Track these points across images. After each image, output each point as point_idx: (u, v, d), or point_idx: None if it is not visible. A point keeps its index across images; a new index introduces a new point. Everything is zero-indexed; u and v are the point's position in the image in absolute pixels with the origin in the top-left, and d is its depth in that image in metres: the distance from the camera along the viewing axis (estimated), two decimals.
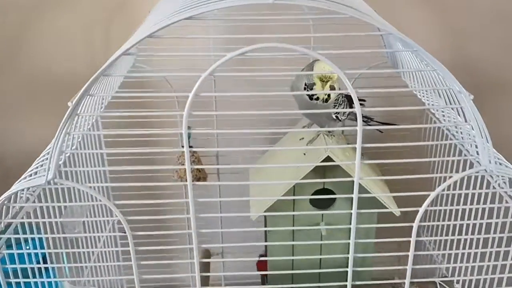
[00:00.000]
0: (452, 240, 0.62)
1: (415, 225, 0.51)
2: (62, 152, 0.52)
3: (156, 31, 0.48)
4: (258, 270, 0.92)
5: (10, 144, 1.10)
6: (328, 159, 0.73)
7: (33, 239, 0.57)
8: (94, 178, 0.83)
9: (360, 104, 0.87)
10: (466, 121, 0.51)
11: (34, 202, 0.55)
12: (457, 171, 0.68)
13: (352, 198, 0.79)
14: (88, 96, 0.52)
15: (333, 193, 0.79)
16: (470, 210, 0.56)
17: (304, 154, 0.77)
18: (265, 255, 0.90)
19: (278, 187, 0.76)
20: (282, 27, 0.79)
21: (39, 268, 0.58)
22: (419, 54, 0.48)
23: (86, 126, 0.62)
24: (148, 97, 0.87)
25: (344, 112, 0.78)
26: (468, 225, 0.60)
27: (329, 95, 0.71)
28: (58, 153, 0.51)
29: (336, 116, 0.76)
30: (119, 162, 0.84)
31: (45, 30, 1.03)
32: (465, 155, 0.62)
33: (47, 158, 0.51)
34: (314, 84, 0.71)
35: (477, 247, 0.60)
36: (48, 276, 0.58)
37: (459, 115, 0.57)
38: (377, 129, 0.84)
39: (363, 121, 0.86)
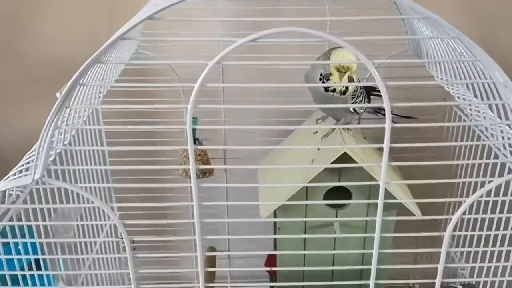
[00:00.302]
0: (480, 251, 0.56)
1: (446, 234, 0.46)
2: (52, 148, 0.47)
3: (157, 12, 0.42)
4: (267, 267, 0.87)
5: (11, 133, 1.05)
6: (344, 155, 0.67)
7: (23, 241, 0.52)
8: (94, 177, 0.77)
9: (379, 96, 0.82)
10: (508, 118, 0.45)
11: (25, 201, 0.50)
12: (485, 175, 0.61)
13: (368, 195, 0.74)
14: (81, 86, 0.46)
15: (349, 192, 0.73)
16: (507, 219, 0.50)
17: (318, 149, 0.71)
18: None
19: (290, 185, 0.71)
20: (295, 11, 0.72)
21: (29, 272, 0.53)
22: (459, 42, 0.42)
23: (81, 118, 0.57)
24: (151, 87, 0.81)
25: (363, 102, 0.72)
26: (500, 236, 0.54)
27: (347, 87, 0.65)
28: (47, 150, 0.45)
29: (354, 109, 0.70)
30: (119, 159, 0.79)
31: (48, 15, 0.97)
32: (496, 157, 0.56)
33: (34, 154, 0.46)
34: (330, 74, 0.65)
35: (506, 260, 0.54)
36: (40, 281, 0.53)
37: (492, 111, 0.51)
38: (394, 122, 0.78)
39: (380, 113, 0.81)
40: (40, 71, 1.01)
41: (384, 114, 0.79)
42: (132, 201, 0.55)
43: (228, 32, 0.86)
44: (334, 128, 0.72)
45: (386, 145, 0.45)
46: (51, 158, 0.48)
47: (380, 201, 0.49)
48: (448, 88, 0.66)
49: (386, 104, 0.43)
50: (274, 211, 0.73)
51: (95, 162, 0.76)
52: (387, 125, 0.44)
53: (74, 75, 0.44)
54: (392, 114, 0.79)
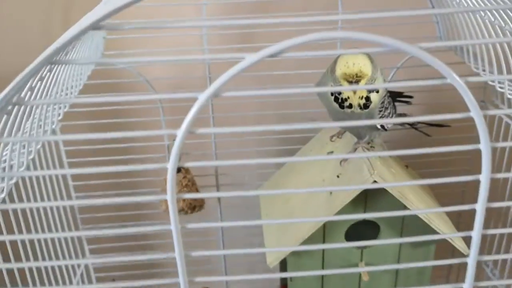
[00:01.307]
0: None
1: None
2: None
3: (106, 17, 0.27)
4: None
5: None
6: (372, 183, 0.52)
7: None
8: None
9: (406, 102, 0.67)
10: None
11: None
12: None
13: (401, 228, 0.60)
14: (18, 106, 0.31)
15: (376, 225, 0.58)
16: None
17: (338, 176, 0.56)
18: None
19: (304, 224, 0.55)
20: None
21: None
22: None
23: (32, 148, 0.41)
24: (116, 104, 0.66)
25: (391, 116, 0.57)
26: None
27: (368, 99, 0.50)
28: None
29: (382, 125, 0.55)
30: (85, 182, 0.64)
31: None
32: None
33: None
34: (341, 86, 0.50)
35: None
36: None
37: None
38: (424, 132, 0.64)
39: (408, 123, 0.66)
40: None
41: (411, 125, 0.64)
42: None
43: (214, 22, 0.70)
44: (356, 148, 0.57)
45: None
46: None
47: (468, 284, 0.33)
48: (492, 82, 0.51)
49: (475, 112, 0.27)
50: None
51: (57, 195, 0.61)
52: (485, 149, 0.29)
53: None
54: (423, 122, 0.66)
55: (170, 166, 0.26)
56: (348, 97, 0.50)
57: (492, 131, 0.66)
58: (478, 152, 0.30)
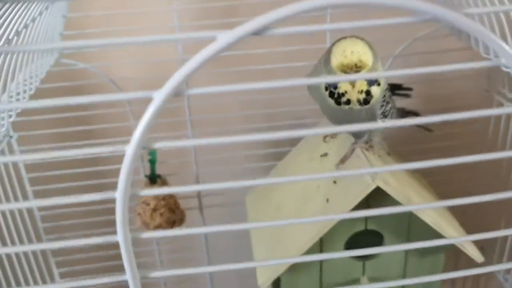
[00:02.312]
0: None
1: None
2: None
3: None
4: None
5: None
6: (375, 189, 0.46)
7: None
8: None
9: (404, 95, 0.60)
10: None
11: None
12: None
13: (407, 237, 0.53)
14: None
15: (379, 235, 0.52)
16: None
17: (335, 182, 0.50)
18: None
19: (299, 237, 0.49)
20: None
21: None
22: None
23: None
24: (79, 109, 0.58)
25: (392, 112, 0.50)
26: None
27: (368, 93, 0.43)
28: None
29: (384, 121, 0.48)
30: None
31: None
32: None
33: None
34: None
35: None
36: None
37: None
38: (425, 128, 0.58)
39: (408, 116, 0.60)
40: None
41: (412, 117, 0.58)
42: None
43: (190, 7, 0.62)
44: (354, 148, 0.50)
45: None
46: None
47: None
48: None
49: None
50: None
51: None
52: None
53: None
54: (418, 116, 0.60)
55: (119, 194, 0.19)
56: (346, 92, 0.43)
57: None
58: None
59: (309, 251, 0.48)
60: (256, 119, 0.70)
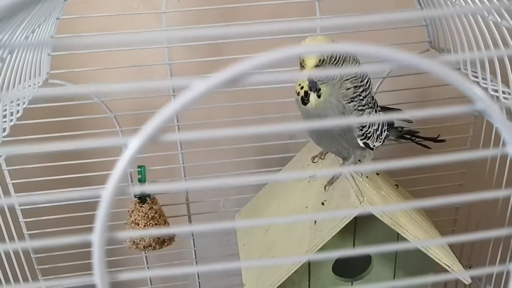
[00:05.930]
0: None
1: None
2: None
3: None
4: None
5: None
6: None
7: None
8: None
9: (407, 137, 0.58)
10: None
11: None
12: None
13: (394, 259, 0.54)
14: None
15: (368, 255, 0.52)
16: None
17: (323, 203, 0.50)
18: None
19: (287, 258, 0.49)
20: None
21: None
22: None
23: None
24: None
25: (379, 131, 0.50)
26: None
27: (306, 94, 0.44)
28: None
29: (366, 143, 0.48)
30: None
31: None
32: None
33: None
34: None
35: None
36: None
37: None
38: (422, 145, 0.58)
39: (406, 138, 0.57)
40: None
41: (410, 138, 0.57)
42: None
43: (180, 46, 0.63)
44: (341, 173, 0.50)
45: None
46: None
47: None
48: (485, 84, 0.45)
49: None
50: None
51: None
52: None
53: None
54: (420, 137, 0.59)
55: (96, 237, 0.19)
56: (301, 89, 0.44)
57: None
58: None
59: (297, 271, 0.48)
60: (248, 140, 0.69)
